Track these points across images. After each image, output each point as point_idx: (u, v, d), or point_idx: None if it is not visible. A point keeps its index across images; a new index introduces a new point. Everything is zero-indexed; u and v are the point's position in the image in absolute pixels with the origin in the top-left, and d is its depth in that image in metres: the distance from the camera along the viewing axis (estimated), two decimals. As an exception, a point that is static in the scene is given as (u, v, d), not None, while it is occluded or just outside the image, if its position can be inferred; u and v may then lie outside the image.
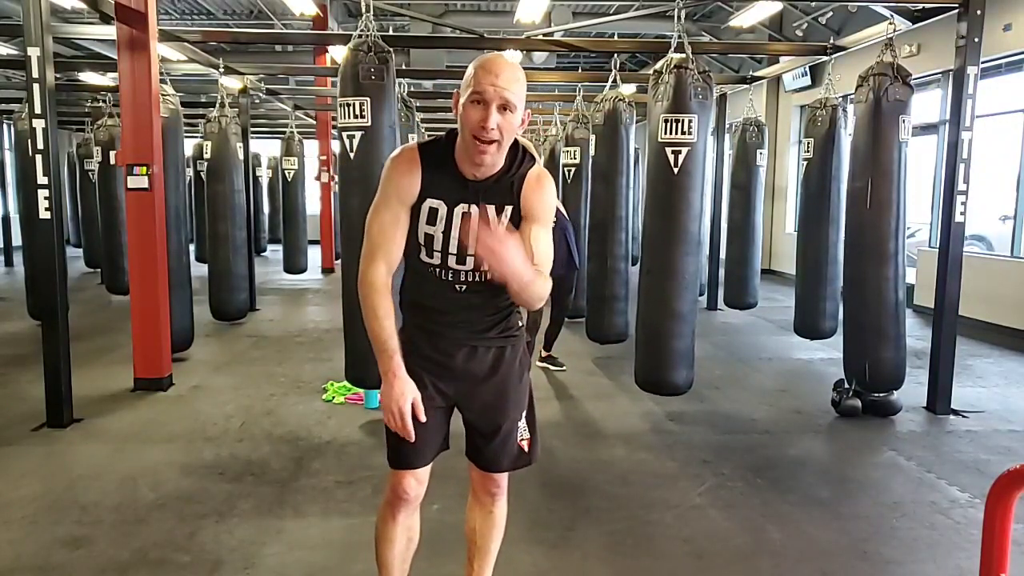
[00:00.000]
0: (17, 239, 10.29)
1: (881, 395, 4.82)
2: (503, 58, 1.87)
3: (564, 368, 6.03)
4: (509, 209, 1.97)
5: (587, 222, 6.74)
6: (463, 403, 2.11)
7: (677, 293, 4.35)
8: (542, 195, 2.00)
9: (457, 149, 1.92)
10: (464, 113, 1.84)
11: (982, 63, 4.84)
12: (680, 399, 4.81)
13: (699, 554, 3.01)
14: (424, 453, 2.08)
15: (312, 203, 13.13)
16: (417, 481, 2.10)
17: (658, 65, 4.47)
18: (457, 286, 2.00)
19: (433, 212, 1.94)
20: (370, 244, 1.98)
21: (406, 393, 1.92)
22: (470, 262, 1.96)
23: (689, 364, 4.48)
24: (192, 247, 8.17)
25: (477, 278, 1.99)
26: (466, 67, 1.90)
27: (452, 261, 1.97)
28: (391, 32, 12.99)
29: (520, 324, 2.15)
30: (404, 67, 9.48)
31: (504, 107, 1.81)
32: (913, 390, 5.11)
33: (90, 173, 10.11)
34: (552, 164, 8.71)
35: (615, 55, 6.46)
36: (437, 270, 1.99)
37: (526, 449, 2.17)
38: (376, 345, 1.94)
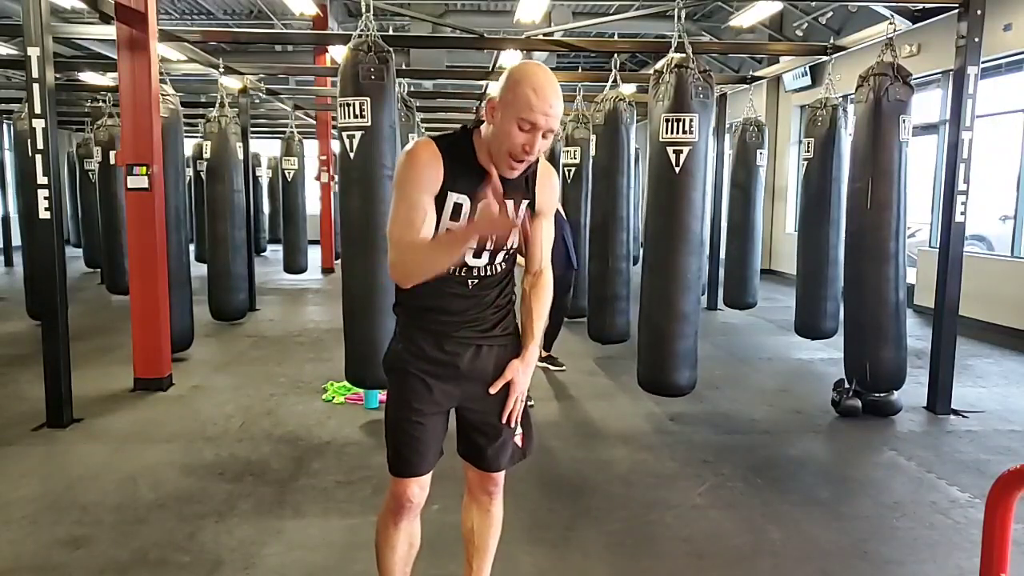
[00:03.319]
0: (17, 239, 10.29)
1: (881, 395, 4.82)
2: (552, 78, 1.84)
3: (564, 368, 6.03)
4: (526, 203, 2.02)
5: (588, 222, 6.74)
6: (466, 404, 2.10)
7: (679, 293, 4.35)
8: (551, 190, 2.11)
9: (479, 147, 1.94)
10: (505, 129, 1.83)
11: (982, 63, 4.84)
12: (680, 399, 4.80)
13: (699, 554, 3.01)
14: (427, 459, 2.07)
15: (312, 203, 13.13)
16: (420, 488, 2.09)
17: (659, 65, 4.48)
18: (469, 282, 2.00)
19: (458, 208, 1.93)
20: (397, 233, 1.90)
21: (483, 218, 1.76)
22: (485, 256, 1.99)
23: (692, 364, 4.47)
24: (192, 247, 8.18)
25: (488, 272, 2.01)
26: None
27: (469, 256, 1.97)
28: (391, 32, 12.98)
29: (516, 323, 2.16)
30: (404, 67, 9.48)
31: (548, 132, 1.85)
32: (913, 390, 5.11)
33: (90, 173, 10.12)
34: (552, 164, 8.69)
35: (615, 55, 6.45)
36: (451, 267, 1.98)
37: (520, 444, 2.18)
38: (443, 252, 1.87)
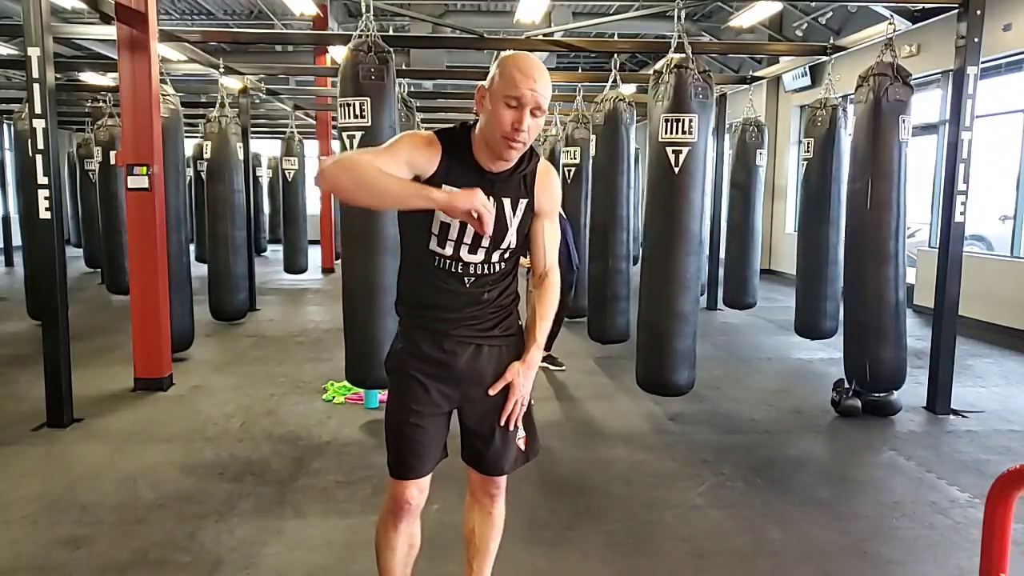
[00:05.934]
0: (17, 239, 10.29)
1: (881, 395, 4.82)
2: (536, 60, 1.88)
3: (564, 368, 6.03)
4: (524, 203, 2.00)
5: (587, 222, 6.75)
6: (465, 406, 2.09)
7: (678, 293, 4.35)
8: (552, 190, 2.07)
9: (476, 142, 1.93)
10: (495, 112, 1.84)
11: (982, 63, 4.85)
12: (680, 399, 4.80)
13: (699, 554, 3.02)
14: (426, 462, 2.06)
15: (312, 203, 13.13)
16: (419, 490, 2.08)
17: (658, 65, 4.48)
18: (466, 279, 1.99)
19: None
20: (362, 155, 1.88)
21: (467, 193, 1.76)
22: (481, 254, 1.97)
23: (691, 364, 4.48)
24: (192, 247, 8.18)
25: (486, 271, 2.00)
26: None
27: (465, 252, 1.97)
28: (391, 32, 12.98)
29: (520, 324, 2.15)
30: (404, 67, 9.47)
31: (536, 110, 1.84)
32: (913, 390, 5.11)
33: (90, 173, 10.12)
34: (552, 164, 8.70)
35: (615, 55, 6.45)
36: (447, 262, 1.97)
37: (523, 448, 2.17)
38: (403, 195, 1.81)
